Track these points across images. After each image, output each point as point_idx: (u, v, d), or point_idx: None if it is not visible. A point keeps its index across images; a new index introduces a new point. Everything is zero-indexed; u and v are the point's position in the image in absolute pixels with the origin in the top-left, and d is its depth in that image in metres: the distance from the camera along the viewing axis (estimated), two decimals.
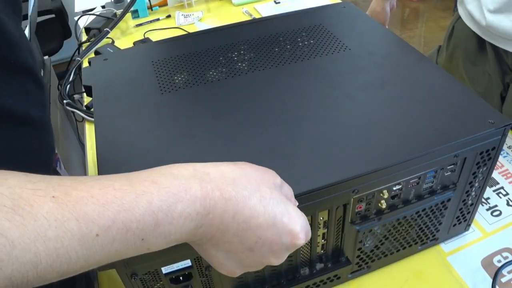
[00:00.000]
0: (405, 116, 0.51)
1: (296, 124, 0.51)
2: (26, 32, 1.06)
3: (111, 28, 1.19)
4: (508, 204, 0.68)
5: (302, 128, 0.50)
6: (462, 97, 0.53)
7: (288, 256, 0.50)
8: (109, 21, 1.24)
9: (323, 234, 0.51)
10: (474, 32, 0.89)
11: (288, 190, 0.38)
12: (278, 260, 0.36)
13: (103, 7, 1.35)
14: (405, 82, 0.57)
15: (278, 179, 0.37)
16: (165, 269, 0.44)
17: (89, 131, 0.93)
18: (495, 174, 0.73)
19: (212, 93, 0.58)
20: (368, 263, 0.57)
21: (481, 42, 0.89)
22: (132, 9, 1.28)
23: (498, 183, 0.72)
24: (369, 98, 0.54)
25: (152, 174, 0.31)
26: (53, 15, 1.83)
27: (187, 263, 0.44)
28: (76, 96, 1.07)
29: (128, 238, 0.28)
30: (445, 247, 0.62)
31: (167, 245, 0.32)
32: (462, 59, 0.96)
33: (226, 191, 0.32)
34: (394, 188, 0.49)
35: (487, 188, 0.66)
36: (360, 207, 0.49)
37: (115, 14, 1.29)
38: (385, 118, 0.51)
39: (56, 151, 1.02)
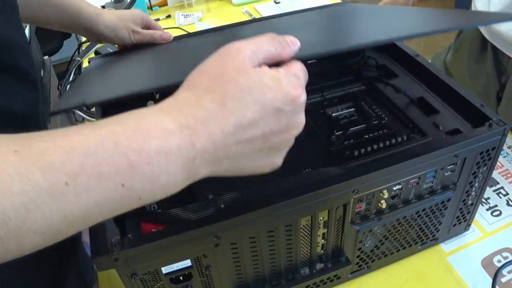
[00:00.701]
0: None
1: None
2: (26, 32, 1.06)
3: None
4: (508, 204, 0.68)
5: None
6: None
7: (288, 256, 0.50)
8: None
9: (323, 234, 0.51)
10: (479, 31, 0.89)
11: (269, 43, 0.33)
12: (299, 119, 0.33)
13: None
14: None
15: (243, 52, 0.32)
16: (165, 269, 0.44)
17: None
18: (495, 174, 0.73)
19: None
20: (368, 263, 0.57)
21: (484, 41, 0.89)
22: (132, 9, 1.28)
23: (498, 183, 0.71)
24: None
25: (117, 118, 0.29)
26: None
27: (187, 263, 0.44)
28: None
29: (104, 185, 0.26)
30: (445, 247, 0.62)
31: (166, 192, 0.29)
32: (467, 57, 0.96)
33: (199, 115, 0.29)
34: (394, 188, 0.49)
35: (487, 188, 0.66)
36: (360, 207, 0.49)
37: None
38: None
39: None
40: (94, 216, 0.27)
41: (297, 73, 0.33)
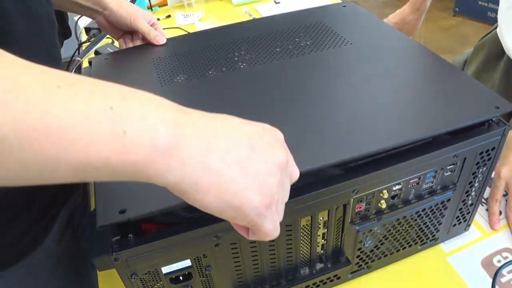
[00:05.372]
0: (406, 108, 0.51)
1: (297, 113, 0.51)
2: None
3: None
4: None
5: (303, 117, 0.50)
6: (467, 84, 0.53)
7: (288, 256, 0.50)
8: None
9: (323, 234, 0.51)
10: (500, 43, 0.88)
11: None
12: (281, 151, 0.33)
13: None
14: (408, 75, 0.57)
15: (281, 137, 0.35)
16: (165, 269, 0.44)
17: None
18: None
19: (212, 87, 0.58)
20: (368, 263, 0.57)
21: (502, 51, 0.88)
22: None
23: None
24: (372, 89, 0.53)
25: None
26: None
27: (187, 263, 0.44)
28: None
29: (93, 101, 0.26)
30: (445, 247, 0.62)
31: (152, 141, 0.27)
32: (483, 60, 0.95)
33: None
34: (394, 188, 0.49)
35: (487, 188, 0.66)
36: (360, 207, 0.49)
37: None
38: (387, 106, 0.51)
39: None
40: (77, 131, 0.25)
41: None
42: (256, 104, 0.53)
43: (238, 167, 0.30)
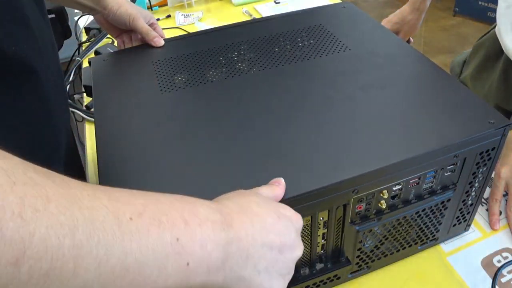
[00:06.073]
0: (405, 117, 0.51)
1: (296, 124, 0.51)
2: None
3: None
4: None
5: (302, 129, 0.50)
6: (462, 97, 0.53)
7: None
8: None
9: (323, 234, 0.51)
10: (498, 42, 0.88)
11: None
12: (299, 247, 0.39)
13: None
14: (405, 83, 0.57)
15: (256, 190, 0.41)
16: None
17: (89, 131, 0.93)
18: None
19: (212, 93, 0.58)
20: (368, 263, 0.57)
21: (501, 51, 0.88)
22: None
23: None
24: (369, 98, 0.54)
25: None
26: (53, 15, 1.83)
27: None
28: (76, 96, 1.07)
29: (162, 233, 0.27)
30: (445, 247, 0.62)
31: (208, 262, 0.30)
32: (482, 59, 0.95)
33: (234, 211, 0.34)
34: (394, 188, 0.49)
35: (487, 188, 0.66)
36: (360, 207, 0.49)
37: None
38: (385, 118, 0.51)
39: None
40: (149, 267, 0.26)
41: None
42: (252, 120, 0.53)
43: (265, 273, 0.35)
